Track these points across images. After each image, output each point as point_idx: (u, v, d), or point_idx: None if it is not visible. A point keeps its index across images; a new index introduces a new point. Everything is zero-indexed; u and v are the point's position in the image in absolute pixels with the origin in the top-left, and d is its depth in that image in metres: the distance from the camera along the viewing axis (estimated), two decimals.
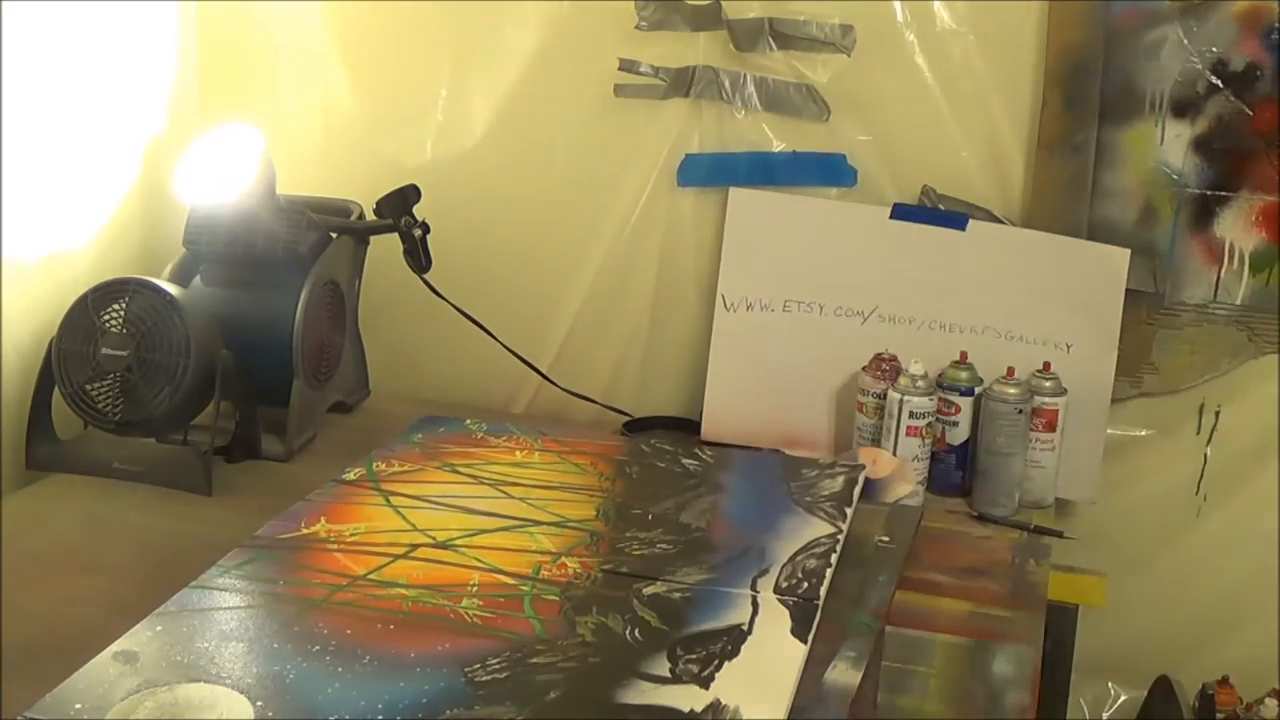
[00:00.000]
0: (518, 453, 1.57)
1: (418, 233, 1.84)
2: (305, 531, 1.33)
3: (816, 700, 1.10)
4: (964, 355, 1.80)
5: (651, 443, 1.65)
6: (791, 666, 1.11)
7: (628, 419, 2.01)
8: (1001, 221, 1.90)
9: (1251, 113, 1.80)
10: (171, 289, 1.64)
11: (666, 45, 1.93)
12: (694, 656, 1.11)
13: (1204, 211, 1.85)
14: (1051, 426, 1.76)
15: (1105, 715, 2.08)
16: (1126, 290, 1.83)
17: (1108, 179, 1.87)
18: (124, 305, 1.61)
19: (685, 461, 1.57)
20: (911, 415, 1.74)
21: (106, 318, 1.61)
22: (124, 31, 1.86)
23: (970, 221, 1.86)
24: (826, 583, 1.27)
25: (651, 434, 1.88)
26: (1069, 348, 1.84)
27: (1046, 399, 1.76)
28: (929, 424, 1.76)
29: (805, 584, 1.25)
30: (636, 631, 1.15)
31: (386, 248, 1.88)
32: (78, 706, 1.01)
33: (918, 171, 1.92)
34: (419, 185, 1.85)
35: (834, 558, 1.32)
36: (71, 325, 1.61)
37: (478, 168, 2.02)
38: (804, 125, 1.93)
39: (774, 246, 1.92)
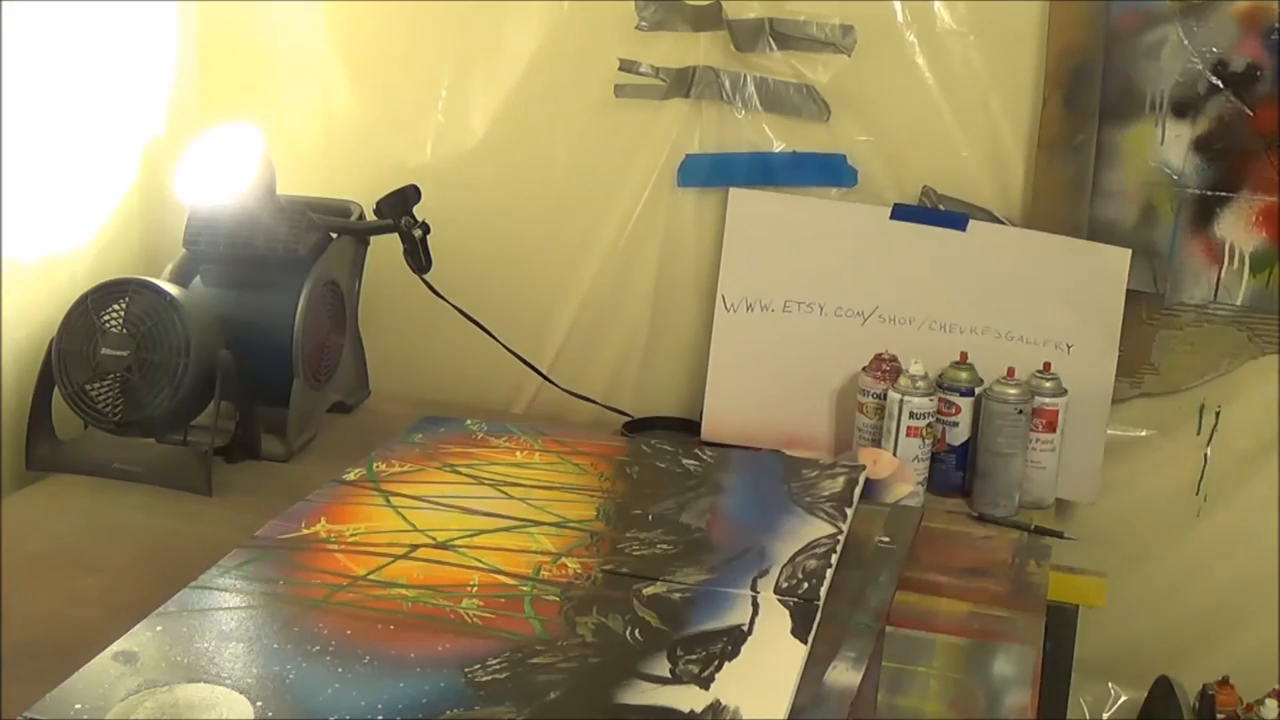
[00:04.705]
0: (518, 453, 1.57)
1: (418, 233, 1.84)
2: (305, 532, 1.33)
3: (816, 700, 1.10)
4: (964, 355, 1.80)
5: (651, 443, 1.65)
6: (791, 667, 1.11)
7: (628, 419, 2.01)
8: (1001, 221, 1.90)
9: (1252, 113, 1.80)
10: (171, 289, 1.64)
11: (667, 45, 1.93)
12: (694, 657, 1.11)
13: (1204, 211, 1.85)
14: (1052, 427, 1.76)
15: (1105, 715, 2.08)
16: (1126, 290, 1.83)
17: (1108, 179, 1.87)
18: (124, 306, 1.62)
19: (685, 462, 1.57)
20: (912, 415, 1.74)
21: (106, 318, 1.61)
22: (124, 32, 1.86)
23: (970, 221, 1.86)
24: (826, 583, 1.27)
25: (651, 434, 1.88)
26: (1069, 348, 1.84)
27: (1046, 399, 1.76)
28: (929, 424, 1.76)
29: (805, 584, 1.25)
30: (636, 632, 1.15)
31: (386, 248, 1.88)
32: (78, 706, 1.01)
33: (918, 171, 1.92)
34: (419, 185, 1.85)
35: (834, 558, 1.32)
36: (71, 325, 1.61)
37: (478, 168, 2.02)
38: (804, 125, 1.93)
39: (774, 246, 1.92)
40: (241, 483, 1.66)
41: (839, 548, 1.35)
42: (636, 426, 1.97)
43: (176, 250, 1.80)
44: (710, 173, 1.96)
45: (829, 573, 1.29)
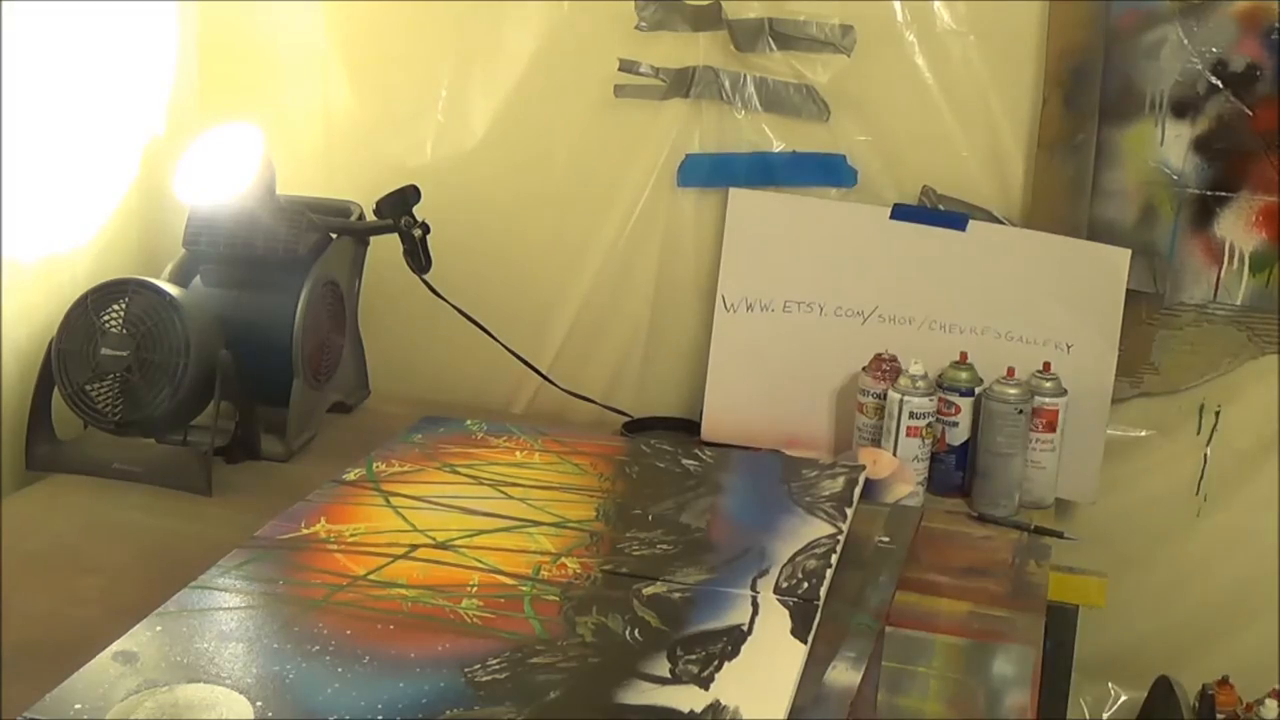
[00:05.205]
0: (518, 453, 1.57)
1: (418, 233, 1.84)
2: (305, 532, 1.33)
3: (816, 700, 1.10)
4: (964, 355, 1.80)
5: (651, 443, 1.65)
6: (791, 667, 1.11)
7: (628, 419, 2.01)
8: (1001, 221, 1.90)
9: (1251, 113, 1.80)
10: (171, 289, 1.64)
11: (666, 45, 1.93)
12: (694, 657, 1.11)
13: (1204, 211, 1.85)
14: (1051, 427, 1.76)
15: (1105, 715, 2.08)
16: (1126, 290, 1.83)
17: (1108, 179, 1.87)
18: (124, 306, 1.61)
19: (685, 462, 1.57)
20: (911, 415, 1.74)
21: (106, 318, 1.61)
22: (124, 31, 1.86)
23: (970, 221, 1.86)
24: (826, 583, 1.27)
25: (651, 434, 1.88)
26: (1069, 348, 1.84)
27: (1046, 399, 1.76)
28: (929, 424, 1.76)
29: (805, 584, 1.25)
30: (636, 631, 1.15)
31: (386, 248, 1.88)
32: (78, 706, 1.01)
33: (918, 171, 1.92)
34: (419, 185, 1.85)
35: (834, 558, 1.32)
36: (71, 326, 1.61)
37: (478, 168, 2.02)
38: (804, 125, 1.93)
39: (774, 246, 1.92)
40: (241, 483, 1.66)
41: (839, 548, 1.35)
42: (636, 426, 1.97)
43: (176, 250, 1.80)
44: (710, 173, 1.96)
45: (829, 573, 1.29)
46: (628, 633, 1.15)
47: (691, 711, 1.03)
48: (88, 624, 1.19)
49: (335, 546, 1.30)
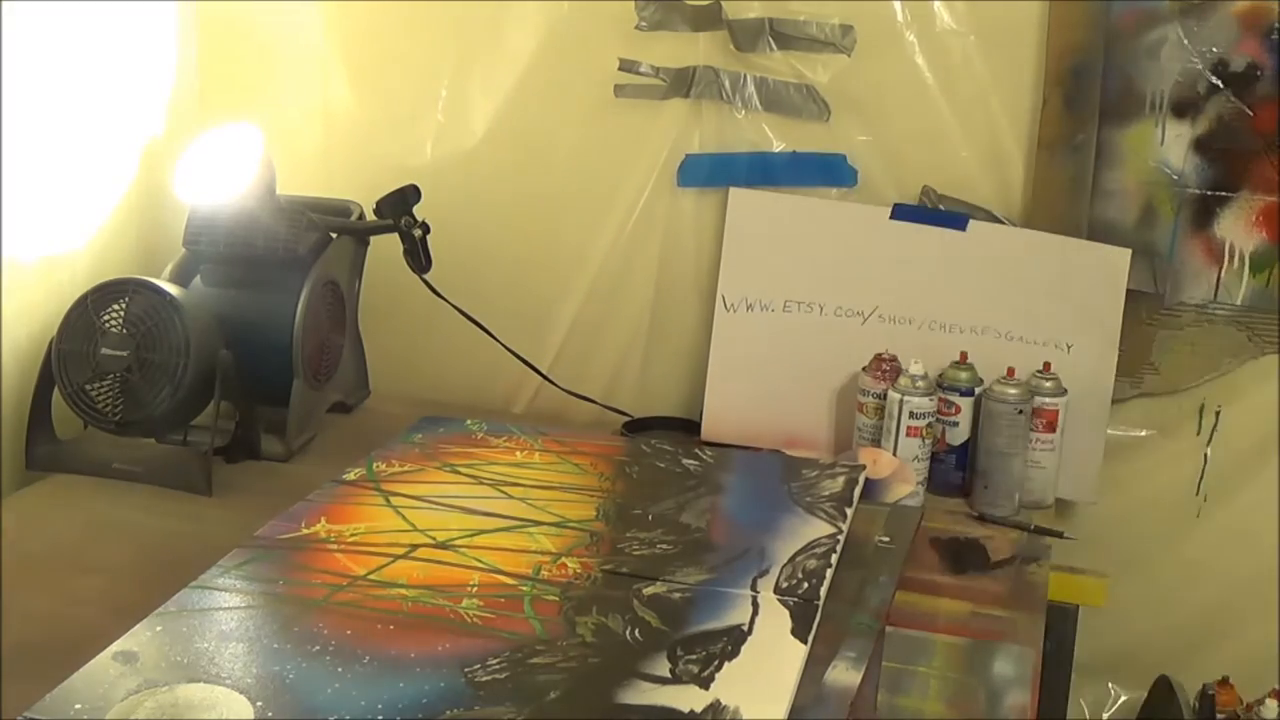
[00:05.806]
0: (518, 453, 1.57)
1: (418, 233, 1.84)
2: (305, 531, 1.33)
3: (816, 700, 1.10)
4: (964, 355, 1.80)
5: (651, 443, 1.65)
6: (791, 666, 1.11)
7: (628, 419, 2.00)
8: (1001, 221, 1.90)
9: (1252, 113, 1.80)
10: (171, 289, 1.64)
11: (666, 45, 1.93)
12: (694, 657, 1.11)
13: (1204, 211, 1.85)
14: (1052, 427, 1.76)
15: (1105, 716, 2.08)
16: (1126, 290, 1.83)
17: (1108, 179, 1.87)
18: (124, 305, 1.62)
19: (685, 461, 1.57)
20: (911, 415, 1.74)
21: (106, 318, 1.61)
22: (124, 32, 1.86)
23: (970, 221, 1.86)
24: (826, 583, 1.27)
25: (651, 434, 1.88)
26: (1069, 348, 1.84)
27: (1046, 399, 1.76)
28: (929, 424, 1.76)
29: (805, 584, 1.25)
30: (636, 631, 1.15)
31: (386, 248, 1.88)
32: (78, 706, 1.01)
33: (918, 171, 1.92)
34: (419, 185, 1.85)
35: (834, 558, 1.32)
36: (71, 325, 1.61)
37: (478, 168, 2.02)
38: (804, 125, 1.93)
39: (774, 246, 1.92)
40: (241, 483, 1.66)
41: (839, 548, 1.35)
42: (636, 426, 1.97)
43: (176, 250, 1.80)
44: (710, 173, 1.96)
45: (829, 573, 1.29)
46: (628, 633, 1.15)
47: (691, 711, 1.03)
48: (88, 624, 1.19)
49: (335, 546, 1.30)
